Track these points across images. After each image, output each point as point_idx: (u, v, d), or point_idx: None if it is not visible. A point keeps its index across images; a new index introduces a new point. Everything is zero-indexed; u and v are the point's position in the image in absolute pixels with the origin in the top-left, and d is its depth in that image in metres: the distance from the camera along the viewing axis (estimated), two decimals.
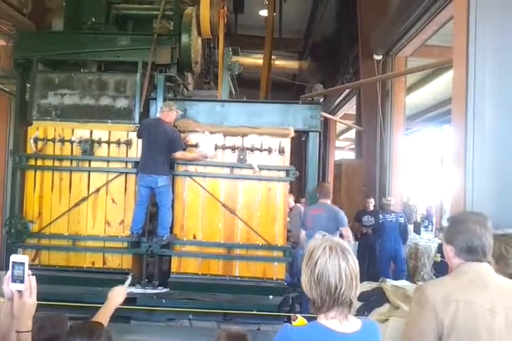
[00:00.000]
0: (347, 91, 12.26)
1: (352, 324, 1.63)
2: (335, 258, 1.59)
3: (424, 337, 1.92)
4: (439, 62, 6.62)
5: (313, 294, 1.60)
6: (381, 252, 7.77)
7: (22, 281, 1.58)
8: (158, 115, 6.10)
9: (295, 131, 6.18)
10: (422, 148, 18.56)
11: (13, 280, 1.58)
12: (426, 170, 17.86)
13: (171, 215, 5.99)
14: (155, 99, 6.24)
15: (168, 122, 5.84)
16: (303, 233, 6.45)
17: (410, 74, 9.17)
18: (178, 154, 5.87)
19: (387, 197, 8.35)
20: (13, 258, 1.60)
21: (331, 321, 1.60)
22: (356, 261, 1.64)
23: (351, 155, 17.05)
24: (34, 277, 1.61)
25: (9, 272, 1.59)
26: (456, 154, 3.85)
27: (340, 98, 13.45)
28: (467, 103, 3.56)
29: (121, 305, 2.63)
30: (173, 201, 6.17)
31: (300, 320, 1.65)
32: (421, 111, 15.25)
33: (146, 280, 6.11)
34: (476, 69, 3.52)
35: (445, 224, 2.14)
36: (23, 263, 1.59)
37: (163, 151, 5.77)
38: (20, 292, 1.58)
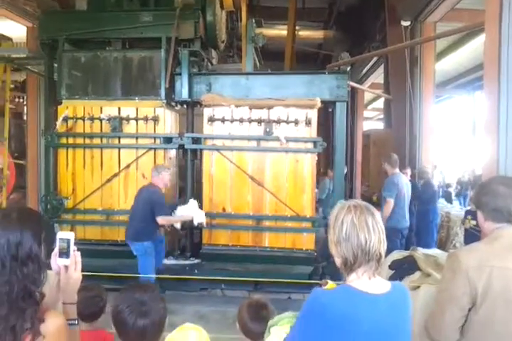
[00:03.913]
0: (374, 59, 11.95)
1: (382, 285, 1.65)
2: (361, 215, 1.61)
3: (456, 302, 1.92)
4: (470, 25, 6.35)
5: (345, 251, 1.61)
6: (435, 217, 7.61)
7: (68, 256, 1.66)
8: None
9: (322, 102, 6.10)
10: (453, 116, 18.07)
11: (60, 256, 1.67)
12: (457, 139, 17.43)
13: None
14: (180, 74, 6.24)
15: (157, 186, 5.37)
16: (391, 202, 6.20)
17: (440, 39, 8.85)
18: (160, 219, 5.23)
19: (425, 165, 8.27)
20: (60, 235, 1.68)
21: (362, 280, 1.61)
22: (380, 218, 1.67)
23: (380, 126, 16.78)
24: (79, 252, 1.69)
25: (56, 248, 1.67)
26: (488, 121, 3.75)
27: (368, 67, 13.13)
28: (500, 68, 3.45)
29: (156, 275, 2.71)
30: (201, 175, 6.26)
31: (330, 285, 1.68)
32: (451, 77, 14.78)
33: (179, 252, 6.30)
34: (509, 31, 3.38)
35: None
36: (68, 240, 1.68)
37: (143, 218, 5.23)
38: (66, 266, 1.67)
